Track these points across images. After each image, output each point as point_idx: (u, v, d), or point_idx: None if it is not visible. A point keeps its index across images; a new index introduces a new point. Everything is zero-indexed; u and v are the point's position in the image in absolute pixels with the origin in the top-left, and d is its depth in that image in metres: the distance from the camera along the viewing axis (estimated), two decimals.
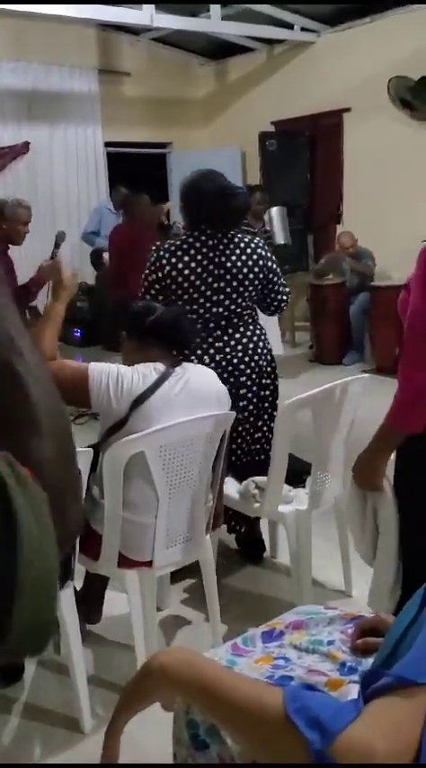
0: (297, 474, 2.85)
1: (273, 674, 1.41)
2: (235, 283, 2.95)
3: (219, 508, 2.76)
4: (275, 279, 3.07)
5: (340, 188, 8.14)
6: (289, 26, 7.85)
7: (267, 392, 3.10)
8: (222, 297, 2.95)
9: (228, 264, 2.94)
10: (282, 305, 3.17)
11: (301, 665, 1.44)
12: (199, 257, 2.92)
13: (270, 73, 8.68)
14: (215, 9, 7.25)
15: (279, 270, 3.12)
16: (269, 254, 3.05)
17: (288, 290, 3.19)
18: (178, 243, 2.96)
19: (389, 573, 2.15)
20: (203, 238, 2.94)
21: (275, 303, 3.14)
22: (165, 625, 2.83)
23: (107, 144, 8.73)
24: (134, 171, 8.50)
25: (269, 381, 3.10)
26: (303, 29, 7.95)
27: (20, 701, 2.45)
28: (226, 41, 8.41)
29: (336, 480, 2.85)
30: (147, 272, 2.97)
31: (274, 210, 6.70)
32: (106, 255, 6.79)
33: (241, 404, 2.97)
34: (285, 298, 3.15)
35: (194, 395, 2.39)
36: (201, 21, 7.46)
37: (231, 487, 2.91)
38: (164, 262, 2.91)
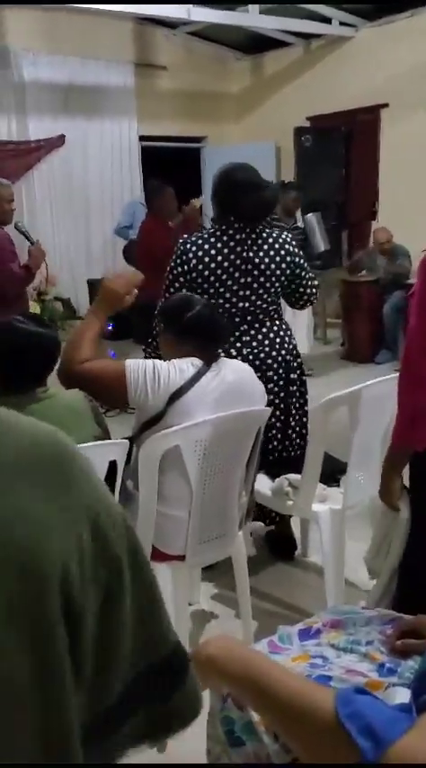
0: (332, 473, 2.83)
1: (311, 673, 1.40)
2: (262, 279, 2.92)
3: (251, 505, 2.75)
4: (303, 273, 3.03)
5: (375, 185, 8.06)
6: (327, 20, 7.78)
7: (294, 387, 3.08)
8: (248, 292, 2.92)
9: (256, 260, 2.91)
10: (311, 299, 3.13)
11: (339, 665, 1.43)
12: (225, 251, 2.89)
13: (306, 68, 8.61)
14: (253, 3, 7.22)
15: (306, 264, 3.08)
16: (296, 249, 3.01)
17: (316, 283, 3.14)
18: (205, 236, 2.93)
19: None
20: (230, 232, 2.91)
21: (304, 297, 3.09)
22: (195, 620, 2.83)
23: (142, 138, 8.73)
24: (168, 165, 8.49)
25: (295, 376, 3.08)
26: (341, 23, 7.87)
27: None
28: (262, 35, 8.35)
29: (371, 480, 2.81)
30: (172, 264, 2.95)
31: (312, 217, 6.64)
32: None
33: (269, 398, 2.94)
34: (314, 291, 3.10)
35: (230, 390, 2.37)
36: (239, 15, 7.42)
37: (264, 484, 2.89)
38: (191, 255, 2.89)
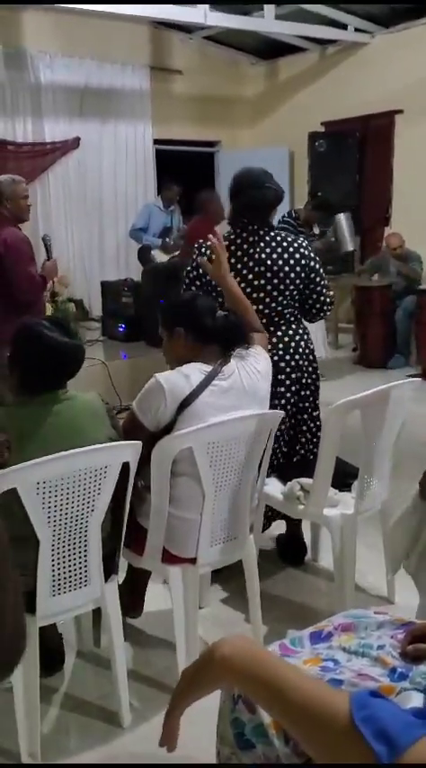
0: (343, 477, 2.82)
1: (323, 677, 1.39)
2: (275, 281, 2.92)
3: (261, 508, 2.74)
4: (317, 279, 3.01)
5: (389, 190, 8.06)
6: (343, 26, 7.79)
7: (307, 392, 3.06)
8: (262, 294, 2.92)
9: (269, 261, 2.91)
10: (325, 308, 3.08)
11: (351, 669, 1.42)
12: (239, 253, 2.91)
13: (321, 73, 8.62)
14: (269, 8, 7.24)
15: (322, 272, 3.06)
16: (312, 255, 3.00)
17: (331, 293, 3.12)
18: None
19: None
20: (244, 235, 2.93)
21: (317, 306, 3.05)
22: (205, 623, 2.82)
23: (156, 141, 8.76)
24: (182, 169, 8.52)
25: (310, 381, 3.07)
26: (357, 29, 7.88)
27: (60, 691, 2.46)
28: (277, 41, 8.38)
29: (382, 485, 2.81)
30: (189, 268, 2.99)
31: (342, 217, 6.67)
32: (154, 253, 6.80)
33: (280, 402, 2.94)
34: (328, 300, 3.07)
35: (240, 394, 2.38)
36: (255, 20, 7.45)
37: (275, 488, 2.89)
38: (205, 259, 2.90)
